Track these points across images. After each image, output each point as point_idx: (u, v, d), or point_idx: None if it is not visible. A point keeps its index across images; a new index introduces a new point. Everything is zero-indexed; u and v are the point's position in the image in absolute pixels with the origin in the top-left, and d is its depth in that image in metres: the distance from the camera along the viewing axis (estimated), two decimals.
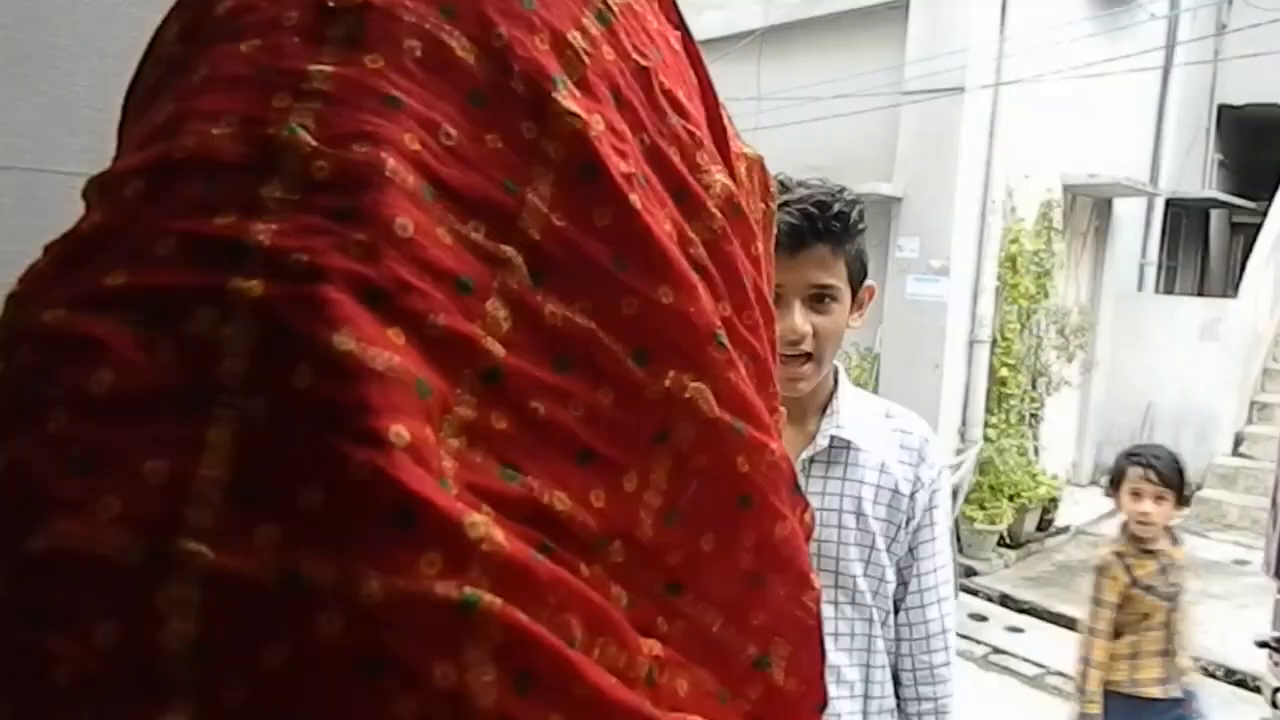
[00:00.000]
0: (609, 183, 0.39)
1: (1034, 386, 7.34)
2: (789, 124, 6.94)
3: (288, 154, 0.34)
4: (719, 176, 0.46)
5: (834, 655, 1.36)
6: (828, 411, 1.42)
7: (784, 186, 1.34)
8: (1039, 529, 6.87)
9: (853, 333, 1.47)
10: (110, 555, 0.28)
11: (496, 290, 0.36)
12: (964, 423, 6.70)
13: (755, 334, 0.46)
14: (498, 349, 0.35)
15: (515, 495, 0.35)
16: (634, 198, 0.40)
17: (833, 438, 1.39)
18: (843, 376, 1.47)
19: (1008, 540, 6.56)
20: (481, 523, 0.32)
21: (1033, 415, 7.34)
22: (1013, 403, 6.96)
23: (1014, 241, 6.85)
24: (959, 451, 6.34)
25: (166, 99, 0.38)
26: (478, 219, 0.36)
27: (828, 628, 1.36)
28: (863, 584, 1.38)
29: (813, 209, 1.30)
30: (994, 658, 5.12)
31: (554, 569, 0.34)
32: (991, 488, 6.43)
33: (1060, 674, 4.90)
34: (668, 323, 0.40)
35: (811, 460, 1.40)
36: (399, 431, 0.30)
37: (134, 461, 0.29)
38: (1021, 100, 6.52)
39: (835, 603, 1.37)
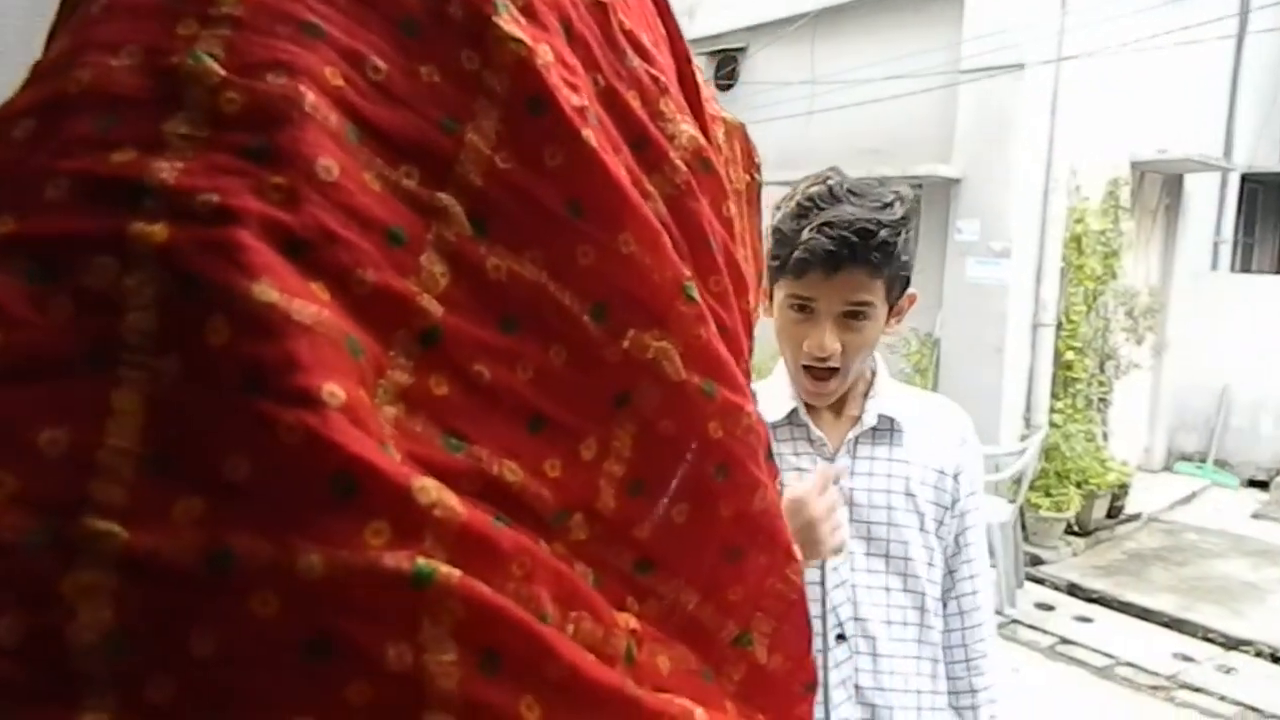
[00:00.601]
0: (559, 117, 0.35)
1: (1102, 370, 7.14)
2: (844, 107, 6.83)
3: (194, 85, 0.30)
4: (685, 126, 0.42)
5: (886, 645, 1.33)
6: (870, 394, 1.41)
7: (833, 195, 1.28)
8: (1109, 516, 6.68)
9: (911, 318, 1.44)
10: (9, 539, 0.26)
11: (431, 242, 0.33)
12: (1028, 408, 6.54)
13: (723, 302, 0.42)
14: (435, 307, 0.33)
15: (461, 466, 0.32)
16: (587, 133, 0.36)
17: (879, 416, 1.38)
18: (880, 366, 1.45)
19: (1076, 528, 6.40)
20: (433, 487, 0.29)
21: (1101, 400, 7.14)
22: (1079, 387, 6.77)
23: (1079, 221, 6.66)
24: (1023, 437, 6.19)
25: (65, 34, 0.34)
26: (410, 163, 0.33)
27: (880, 615, 1.33)
28: (918, 567, 1.35)
29: (853, 237, 1.24)
30: (1061, 648, 4.99)
31: (517, 536, 0.31)
32: (1058, 474, 6.27)
33: (1131, 665, 4.76)
34: (629, 274, 0.37)
35: (857, 441, 1.39)
36: (332, 390, 0.28)
37: (29, 432, 0.26)
38: (1085, 75, 6.32)
39: (887, 588, 1.34)
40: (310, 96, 0.30)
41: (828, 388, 1.34)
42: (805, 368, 1.33)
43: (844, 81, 6.84)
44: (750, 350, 0.47)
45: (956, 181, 6.46)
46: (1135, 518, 6.92)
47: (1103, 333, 7.10)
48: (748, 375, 0.43)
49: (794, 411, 1.39)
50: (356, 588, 0.27)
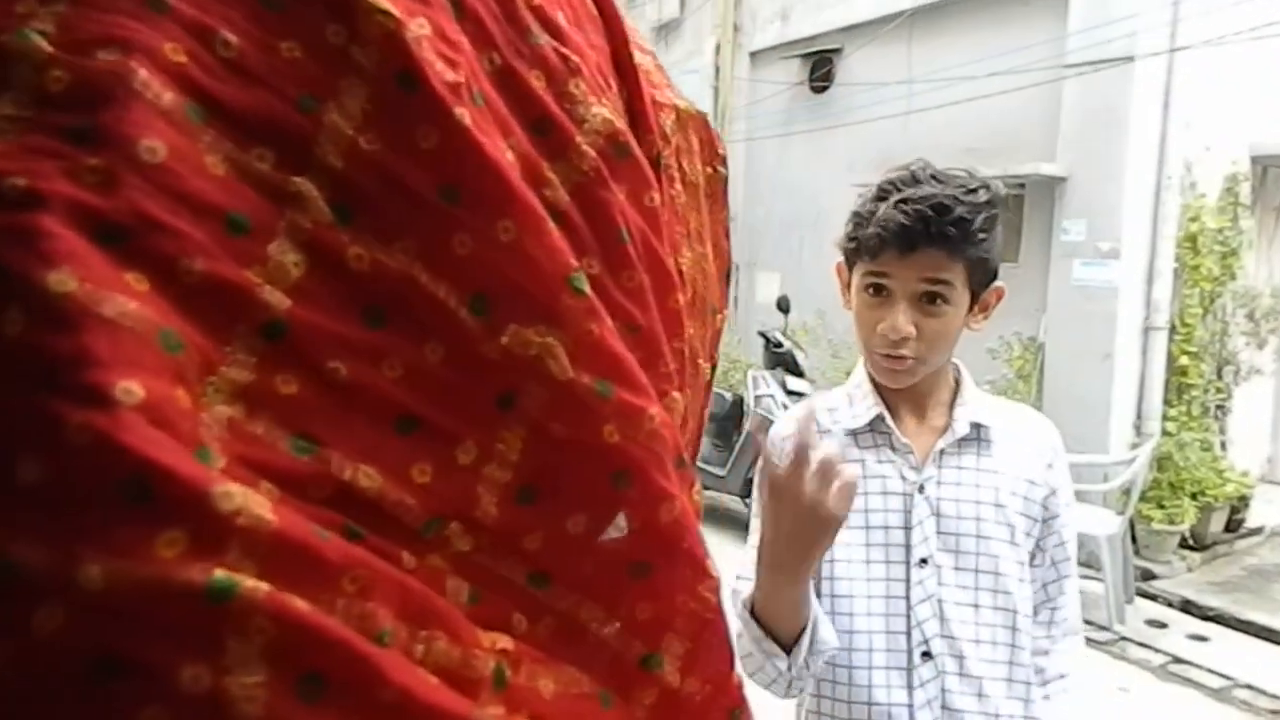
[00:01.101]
0: (429, 94, 0.33)
1: (1219, 376, 6.78)
2: (943, 106, 6.67)
3: (20, 63, 0.29)
4: (598, 109, 0.39)
5: (976, 664, 1.27)
6: (957, 402, 1.36)
7: (915, 179, 1.26)
8: (1227, 530, 6.33)
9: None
10: None
11: (284, 230, 0.31)
12: (1139, 416, 6.26)
13: (637, 299, 0.40)
14: (279, 299, 0.31)
15: (305, 471, 0.30)
16: (461, 112, 0.34)
17: (970, 424, 1.33)
18: (965, 373, 1.40)
19: (1191, 542, 6.09)
20: (238, 493, 0.27)
21: (1218, 407, 6.79)
22: (1195, 393, 6.44)
23: (1194, 220, 6.34)
24: (1134, 446, 5.93)
25: None
26: (263, 145, 0.32)
27: (969, 633, 1.27)
28: (1009, 582, 1.29)
29: (929, 211, 1.21)
30: (1174, 668, 4.75)
31: (347, 548, 0.29)
32: (1171, 485, 5.97)
33: (1250, 687, 4.51)
34: (511, 265, 0.35)
35: (943, 452, 1.33)
36: (128, 388, 0.26)
37: None
38: (1200, 66, 6.02)
39: (976, 605, 1.28)
40: (141, 73, 0.29)
41: (903, 364, 1.28)
42: (882, 355, 1.29)
43: (942, 80, 6.67)
44: (696, 351, 0.43)
45: (1061, 180, 6.24)
46: (1257, 531, 6.55)
47: (1220, 336, 6.74)
48: (670, 380, 0.41)
49: (878, 418, 1.35)
50: (145, 602, 0.25)
